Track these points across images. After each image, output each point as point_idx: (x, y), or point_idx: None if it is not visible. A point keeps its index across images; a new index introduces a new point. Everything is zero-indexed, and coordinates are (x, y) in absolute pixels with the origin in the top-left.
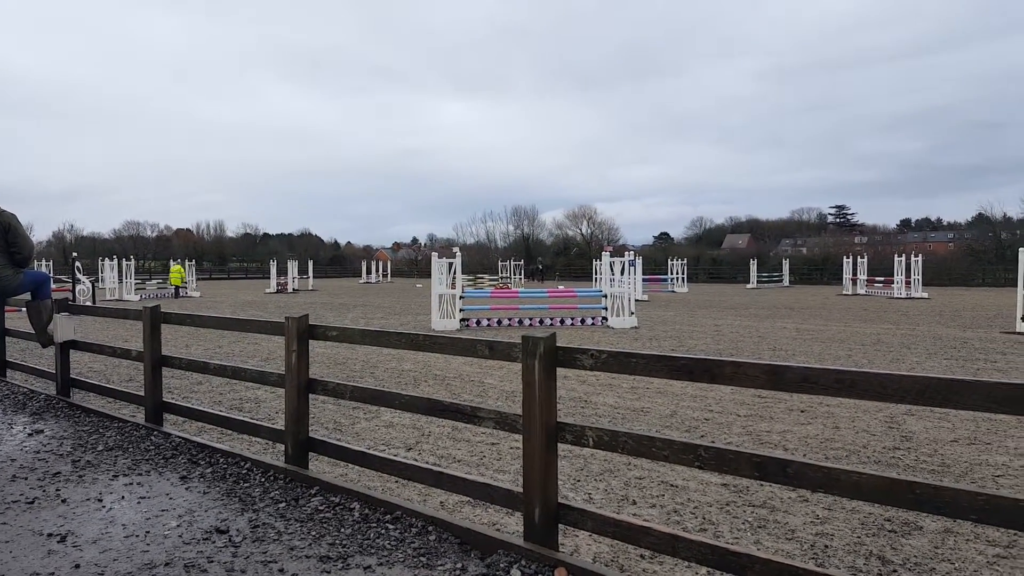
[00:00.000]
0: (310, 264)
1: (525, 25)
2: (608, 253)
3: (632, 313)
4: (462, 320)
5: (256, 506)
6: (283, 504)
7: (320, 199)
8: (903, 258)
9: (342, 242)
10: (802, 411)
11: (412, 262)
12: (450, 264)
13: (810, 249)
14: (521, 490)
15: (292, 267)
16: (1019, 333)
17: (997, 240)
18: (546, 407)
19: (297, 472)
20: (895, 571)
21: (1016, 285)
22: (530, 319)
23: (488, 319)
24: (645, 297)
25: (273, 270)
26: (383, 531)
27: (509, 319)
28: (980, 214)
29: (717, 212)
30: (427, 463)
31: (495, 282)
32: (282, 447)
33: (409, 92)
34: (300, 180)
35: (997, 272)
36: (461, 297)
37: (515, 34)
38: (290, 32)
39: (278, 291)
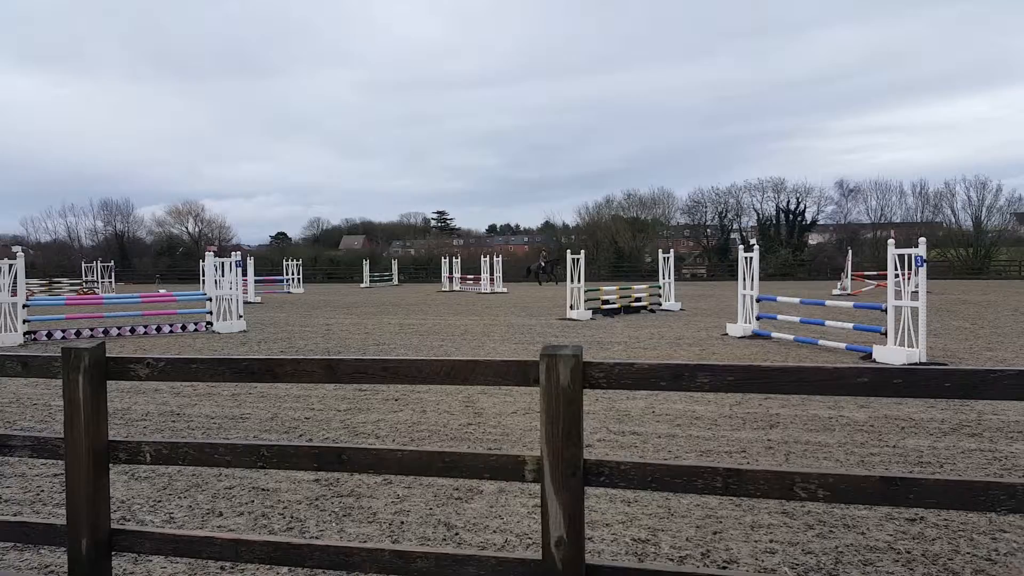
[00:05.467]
0: None
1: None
2: (212, 253)
3: (241, 316)
4: (27, 333)
5: None
6: None
7: None
8: (488, 258)
9: None
10: (396, 400)
11: None
12: (10, 266)
13: (417, 250)
14: (65, 523)
15: None
16: (568, 319)
17: (559, 243)
18: (94, 426)
19: None
20: (457, 534)
21: (570, 281)
22: (119, 328)
23: (63, 331)
24: (258, 299)
25: None
26: None
27: (92, 329)
28: (547, 221)
29: (332, 213)
30: None
31: (77, 287)
32: None
33: None
34: None
35: (558, 270)
36: (25, 306)
37: (101, 9)
38: None
39: None
